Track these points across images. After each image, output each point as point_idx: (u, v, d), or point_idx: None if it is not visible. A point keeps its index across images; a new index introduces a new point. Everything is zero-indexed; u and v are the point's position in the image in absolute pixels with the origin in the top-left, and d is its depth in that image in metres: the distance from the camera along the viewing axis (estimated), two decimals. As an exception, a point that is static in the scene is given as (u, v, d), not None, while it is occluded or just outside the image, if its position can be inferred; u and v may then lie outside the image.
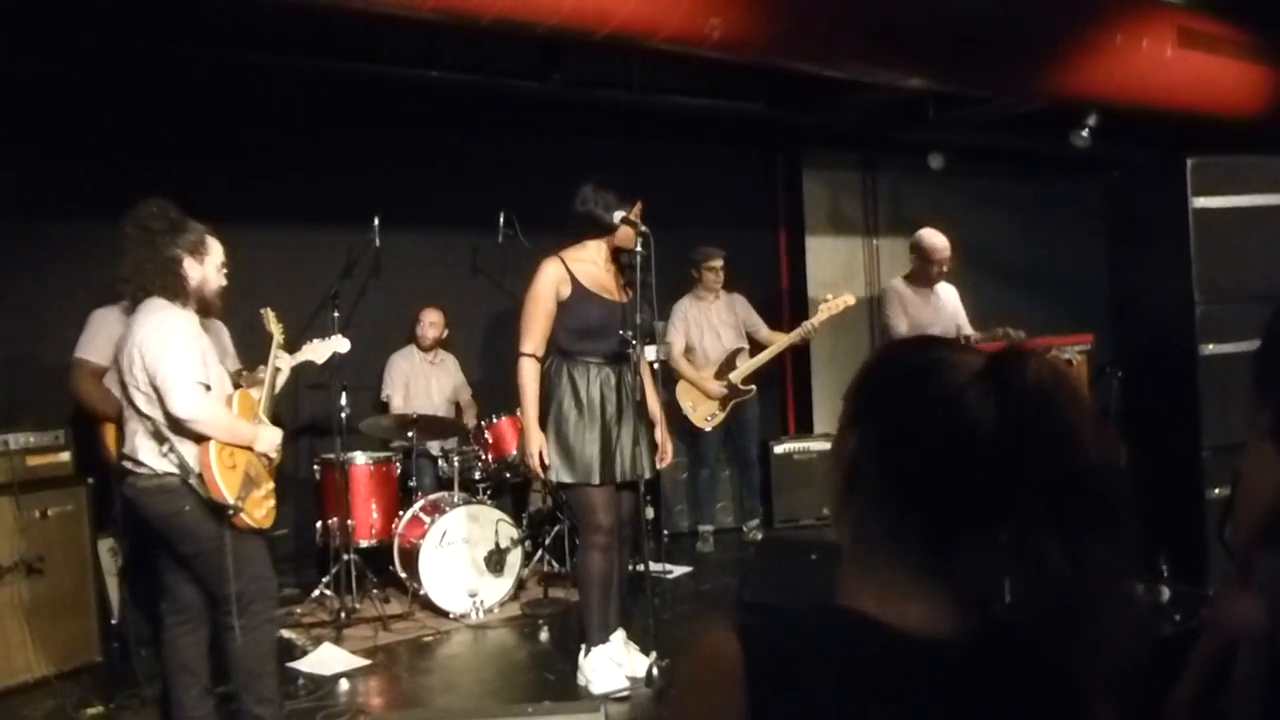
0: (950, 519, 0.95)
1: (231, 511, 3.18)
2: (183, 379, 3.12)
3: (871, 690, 0.93)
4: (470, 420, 5.87)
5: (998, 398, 0.95)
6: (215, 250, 3.38)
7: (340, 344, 4.25)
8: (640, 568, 4.00)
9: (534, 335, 3.85)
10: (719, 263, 6.27)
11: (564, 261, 3.85)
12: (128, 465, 3.25)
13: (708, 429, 6.19)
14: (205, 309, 3.40)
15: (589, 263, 3.88)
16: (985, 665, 0.94)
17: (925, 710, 0.93)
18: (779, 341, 6.18)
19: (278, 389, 3.76)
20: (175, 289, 3.23)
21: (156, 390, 3.14)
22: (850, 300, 5.90)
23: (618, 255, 3.91)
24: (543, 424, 3.86)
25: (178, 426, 3.16)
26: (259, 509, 3.31)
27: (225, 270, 3.42)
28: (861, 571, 1.00)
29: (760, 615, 1.07)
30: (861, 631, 0.97)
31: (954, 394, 0.96)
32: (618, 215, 3.79)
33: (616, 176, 3.87)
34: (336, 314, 5.04)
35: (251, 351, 4.32)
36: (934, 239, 5.36)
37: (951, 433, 0.95)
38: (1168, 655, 3.98)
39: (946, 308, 5.44)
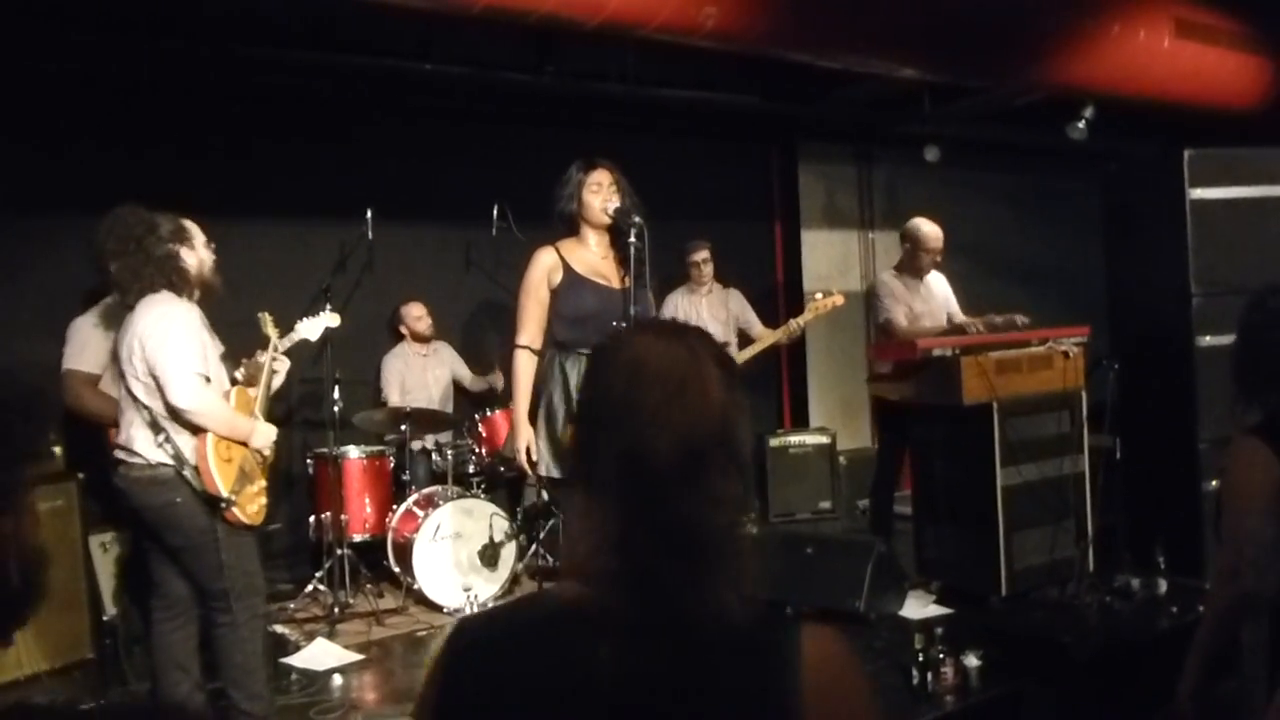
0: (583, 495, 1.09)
1: (225, 505, 3.17)
2: (183, 370, 3.12)
3: (535, 654, 1.06)
4: (499, 385, 5.88)
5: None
6: (197, 232, 3.39)
7: (331, 319, 4.22)
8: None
9: (527, 326, 3.81)
10: (700, 255, 6.21)
11: (557, 249, 3.81)
12: (121, 455, 3.24)
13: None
14: (208, 292, 3.40)
15: (585, 250, 3.84)
16: (605, 619, 1.04)
17: (572, 661, 1.04)
18: (763, 339, 6.12)
19: (274, 389, 3.73)
20: (180, 282, 3.26)
21: (156, 380, 3.13)
22: (839, 300, 5.86)
23: (617, 241, 3.85)
24: (534, 417, 3.83)
25: (176, 417, 3.16)
26: (251, 504, 3.30)
27: (213, 247, 3.43)
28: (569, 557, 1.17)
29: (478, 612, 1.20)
30: (537, 606, 1.13)
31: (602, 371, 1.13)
32: (575, 199, 3.76)
33: (578, 157, 3.84)
34: (329, 307, 4.99)
35: (245, 349, 4.28)
36: (927, 228, 5.32)
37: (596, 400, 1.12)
38: (1166, 648, 3.98)
39: (937, 297, 5.42)
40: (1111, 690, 3.84)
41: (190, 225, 3.36)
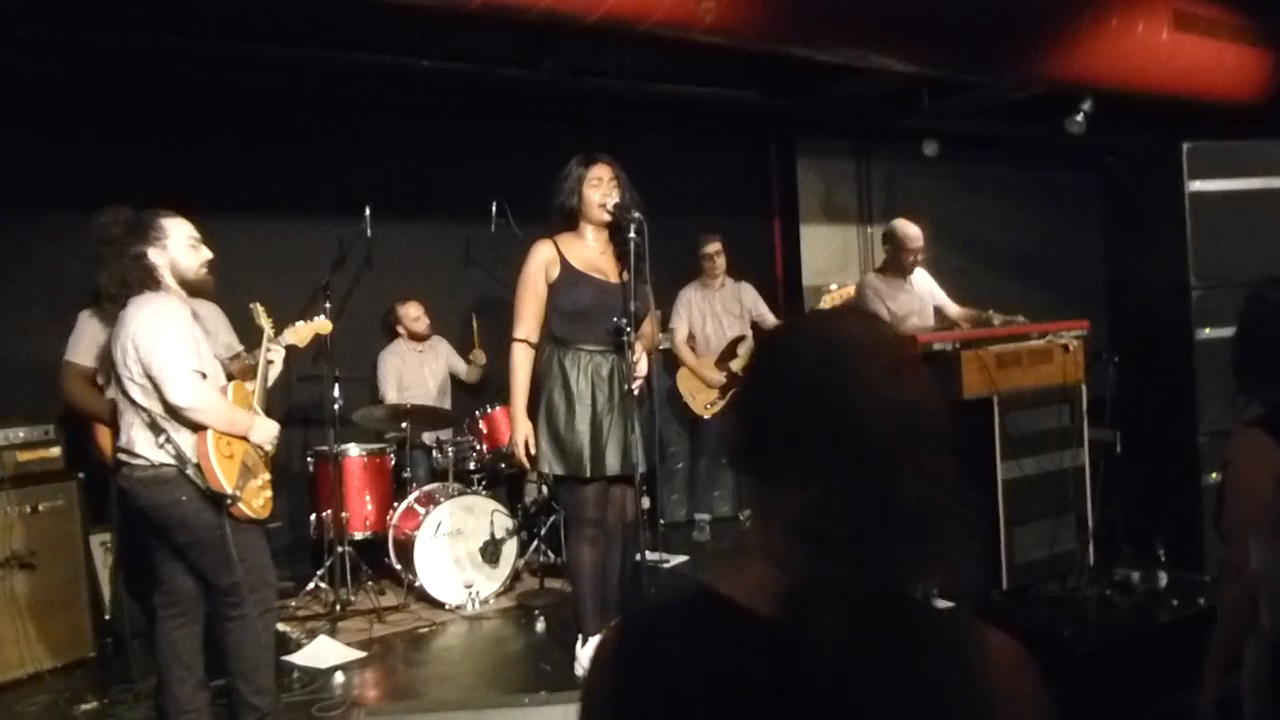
0: (771, 481, 1.05)
1: (230, 501, 3.17)
2: (179, 368, 3.12)
3: (707, 657, 1.03)
4: (481, 360, 5.91)
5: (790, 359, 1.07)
6: (175, 230, 3.31)
7: (322, 326, 4.21)
8: (638, 558, 3.98)
9: (525, 320, 3.81)
10: (713, 248, 6.26)
11: (555, 243, 3.81)
12: (123, 458, 3.24)
13: (707, 416, 6.18)
14: (195, 291, 3.37)
15: (583, 244, 3.84)
16: (787, 632, 0.99)
17: (742, 672, 1.01)
18: None
19: (270, 382, 3.73)
20: (149, 282, 3.22)
21: (152, 381, 3.13)
22: (852, 291, 5.89)
23: (615, 236, 3.85)
24: (533, 413, 3.83)
25: (175, 416, 3.15)
26: (256, 499, 3.30)
27: (197, 244, 3.35)
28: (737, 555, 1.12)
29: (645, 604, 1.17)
30: (705, 606, 1.07)
31: (780, 363, 1.08)
32: (575, 194, 3.76)
33: (577, 153, 3.83)
34: (328, 305, 5.00)
35: (243, 341, 4.30)
36: (907, 229, 5.35)
37: (770, 400, 1.06)
38: (1166, 641, 3.98)
39: (923, 295, 5.43)
40: (1112, 684, 3.85)
41: (167, 223, 3.29)
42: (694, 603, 1.09)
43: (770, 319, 6.32)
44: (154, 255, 3.25)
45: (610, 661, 1.09)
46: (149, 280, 3.22)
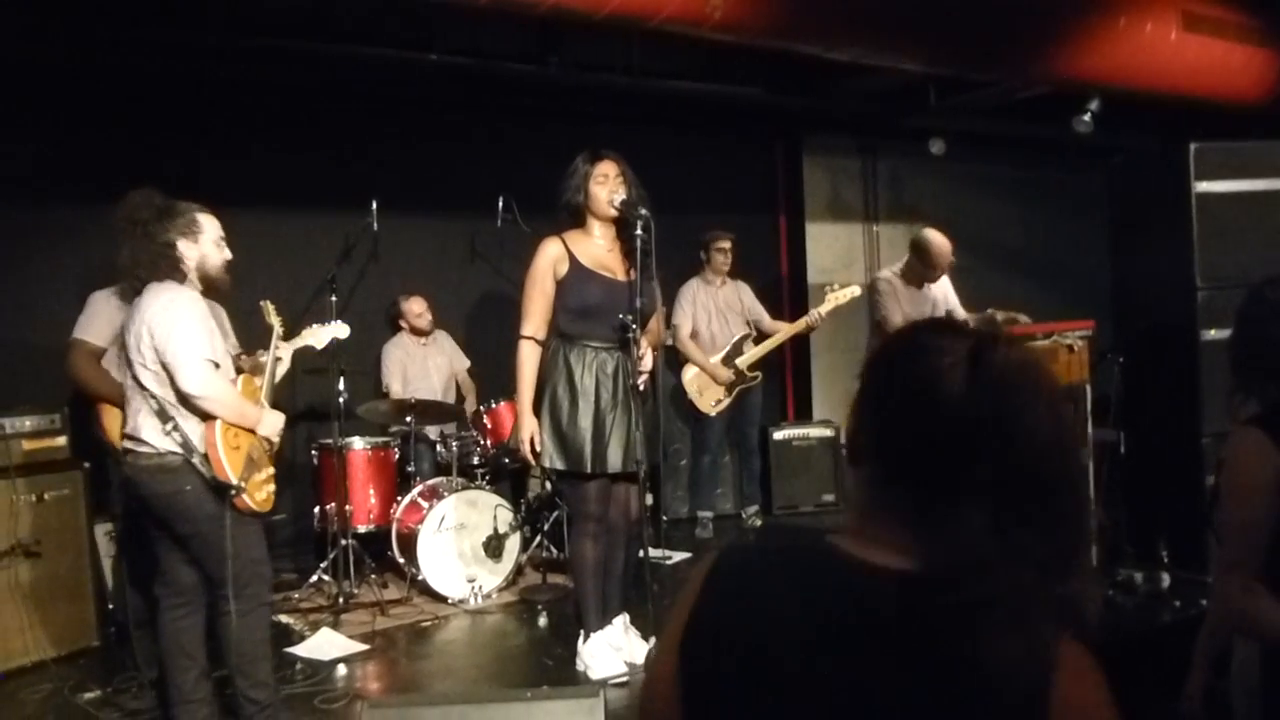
0: (923, 489, 1.06)
1: (234, 492, 3.18)
2: (193, 356, 3.13)
3: (815, 603, 1.07)
4: (470, 399, 5.87)
5: (968, 381, 1.05)
6: (209, 227, 3.34)
7: (340, 329, 4.21)
8: (641, 554, 3.99)
9: (533, 317, 3.81)
10: (729, 244, 6.25)
11: (564, 240, 3.81)
12: (129, 444, 3.25)
13: (713, 414, 6.18)
14: (212, 288, 3.38)
15: (592, 242, 3.84)
16: (913, 604, 1.03)
17: (851, 628, 1.04)
18: (785, 330, 6.17)
19: (278, 378, 3.73)
20: (175, 273, 3.23)
21: (165, 368, 3.14)
22: (856, 291, 5.90)
23: (623, 233, 3.85)
24: (538, 409, 3.83)
25: (184, 405, 3.16)
26: (259, 492, 3.31)
27: (222, 244, 3.38)
28: (853, 527, 1.12)
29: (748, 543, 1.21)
30: (824, 555, 1.11)
31: (932, 377, 1.06)
32: (581, 191, 3.76)
33: (583, 149, 3.83)
34: (334, 298, 5.02)
35: (249, 338, 4.30)
36: (941, 244, 5.27)
37: (925, 413, 1.06)
38: (1168, 642, 3.98)
39: (937, 299, 5.42)
40: (1113, 684, 3.85)
41: (204, 219, 3.33)
42: (807, 550, 1.14)
43: (767, 320, 6.31)
44: (184, 247, 3.26)
45: (695, 589, 1.13)
46: (174, 270, 3.23)
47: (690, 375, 6.18)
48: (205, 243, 3.31)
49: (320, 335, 4.11)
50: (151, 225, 3.22)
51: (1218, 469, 2.28)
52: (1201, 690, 2.20)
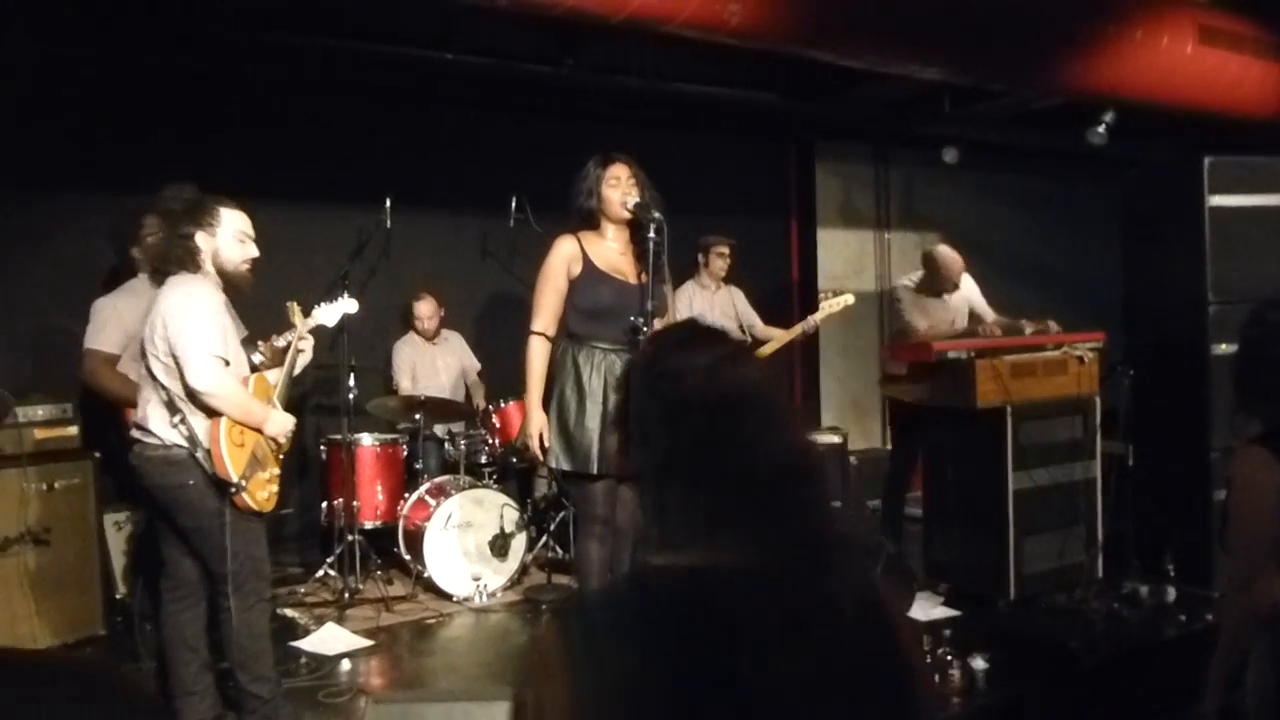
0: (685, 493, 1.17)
1: (233, 490, 3.18)
2: (202, 351, 3.14)
3: (659, 616, 1.12)
4: (479, 399, 5.89)
5: (705, 395, 1.18)
6: (228, 220, 3.32)
7: (349, 305, 4.20)
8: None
9: (544, 313, 3.81)
10: (728, 249, 6.23)
11: (579, 240, 3.81)
12: (137, 434, 3.26)
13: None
14: (231, 284, 3.35)
15: (604, 244, 3.84)
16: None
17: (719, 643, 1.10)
18: (779, 336, 6.13)
19: (297, 371, 3.72)
20: (189, 263, 3.24)
21: (175, 360, 3.15)
22: (849, 300, 5.87)
23: (635, 236, 3.85)
24: (546, 409, 3.83)
25: (192, 398, 3.17)
26: (261, 491, 3.30)
27: (245, 239, 3.35)
28: (658, 541, 1.20)
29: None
30: (647, 575, 1.20)
31: (676, 397, 1.19)
32: (594, 194, 3.76)
33: (595, 152, 3.83)
34: (346, 294, 5.02)
35: (262, 330, 4.31)
36: (949, 258, 5.29)
37: (672, 430, 1.19)
38: (1174, 655, 3.97)
39: (959, 306, 5.41)
40: (1118, 697, 3.84)
41: (226, 212, 3.31)
42: (633, 577, 1.28)
43: (760, 327, 6.27)
44: (200, 239, 3.26)
45: (563, 660, 1.15)
46: (188, 261, 3.24)
47: None
48: (222, 235, 3.29)
49: (330, 313, 4.09)
50: (178, 216, 3.25)
51: (1226, 487, 2.29)
52: (1216, 710, 2.20)
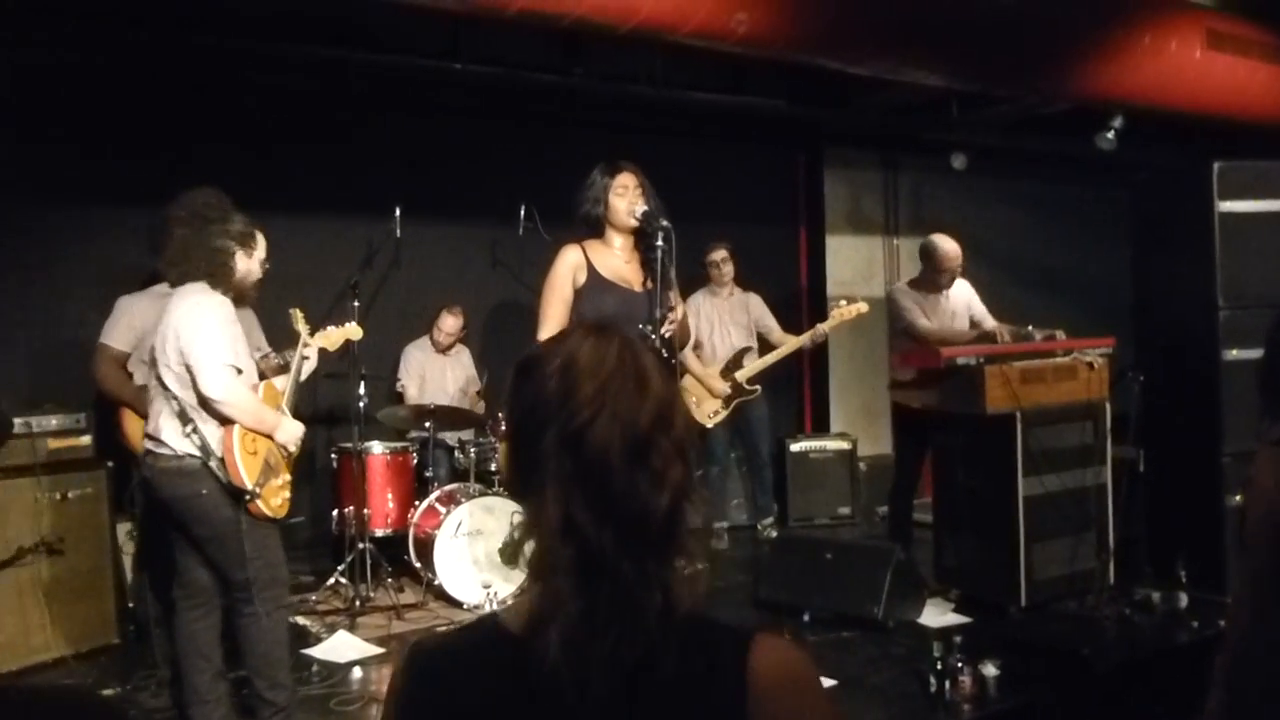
0: (527, 500, 1.11)
1: (249, 497, 3.21)
2: (214, 360, 3.17)
3: (479, 681, 1.09)
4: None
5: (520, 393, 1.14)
6: (261, 244, 3.44)
7: (353, 331, 4.26)
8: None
9: (550, 323, 3.81)
10: (719, 255, 6.23)
11: (583, 249, 3.82)
12: (149, 445, 3.29)
13: (709, 425, 6.16)
14: (241, 298, 3.44)
15: (610, 253, 3.85)
16: (529, 649, 1.05)
17: (503, 693, 1.08)
18: (788, 344, 6.14)
19: (303, 378, 3.76)
20: (222, 278, 3.29)
21: (188, 370, 3.18)
22: (864, 308, 5.87)
23: (639, 244, 3.86)
24: None
25: (205, 408, 3.20)
26: (275, 498, 3.33)
27: (266, 266, 3.49)
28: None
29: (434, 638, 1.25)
30: (483, 632, 1.16)
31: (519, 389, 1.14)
32: (601, 202, 3.77)
33: (601, 160, 3.84)
34: (356, 304, 5.06)
35: (272, 340, 4.34)
36: (945, 246, 5.24)
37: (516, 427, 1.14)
38: (1186, 662, 3.95)
39: (957, 308, 5.39)
40: (1130, 703, 3.83)
41: (259, 236, 3.43)
42: (475, 629, 1.18)
43: (777, 331, 6.28)
44: (239, 258, 3.34)
45: (397, 692, 1.14)
46: (223, 276, 3.29)
47: (687, 386, 6.16)
48: (255, 259, 3.41)
49: (333, 338, 4.14)
50: (213, 225, 3.28)
51: (1245, 489, 2.28)
52: (1224, 709, 2.19)
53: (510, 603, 1.15)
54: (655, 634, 1.04)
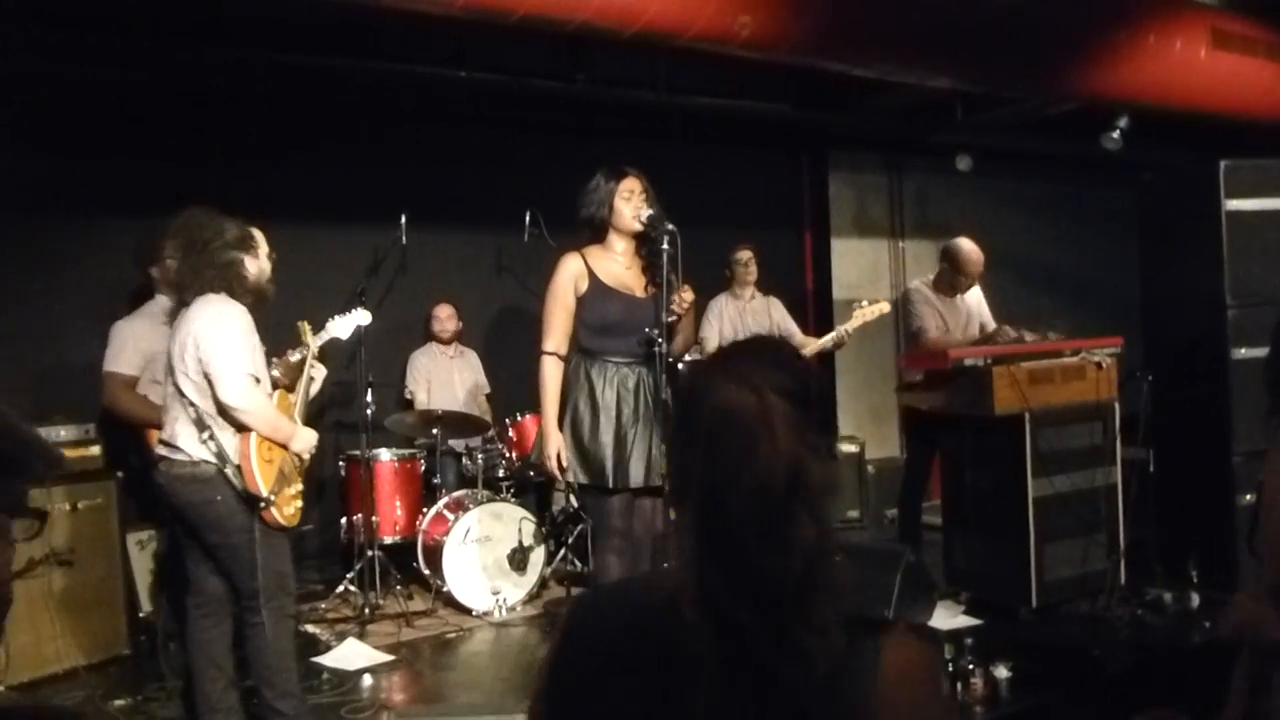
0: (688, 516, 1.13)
1: (263, 504, 3.23)
2: (234, 369, 3.19)
3: (636, 640, 1.14)
4: (488, 419, 5.91)
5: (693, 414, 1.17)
6: (262, 241, 3.47)
7: (362, 316, 4.26)
8: (665, 568, 3.98)
9: (554, 332, 3.81)
10: (744, 255, 6.24)
11: (583, 256, 3.81)
12: (164, 451, 3.30)
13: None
14: (263, 298, 3.46)
15: (611, 259, 3.85)
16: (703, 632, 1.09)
17: (662, 658, 1.10)
18: (811, 346, 6.14)
19: (311, 395, 3.78)
20: (239, 288, 3.32)
21: (207, 378, 3.20)
22: (886, 308, 5.84)
23: (641, 250, 3.86)
24: (560, 424, 3.83)
25: (222, 415, 3.23)
26: (288, 506, 3.36)
27: (274, 258, 3.51)
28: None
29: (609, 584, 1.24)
30: (644, 593, 1.20)
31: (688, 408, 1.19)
32: (606, 206, 3.77)
33: (606, 164, 3.84)
34: (360, 307, 5.06)
35: (278, 347, 4.35)
36: (971, 251, 5.23)
37: (681, 447, 1.18)
38: (1198, 663, 3.94)
39: (971, 311, 5.39)
40: (1142, 705, 3.81)
41: (257, 234, 3.45)
42: (635, 589, 1.24)
43: (799, 335, 6.28)
44: (248, 263, 3.37)
45: (565, 622, 1.24)
46: (240, 286, 3.31)
47: None
48: (262, 257, 3.44)
49: (344, 325, 4.14)
50: (213, 242, 3.29)
51: (1257, 489, 2.27)
52: (1241, 716, 2.18)
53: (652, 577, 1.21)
54: (792, 693, 1.06)
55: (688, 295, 3.76)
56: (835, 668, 1.08)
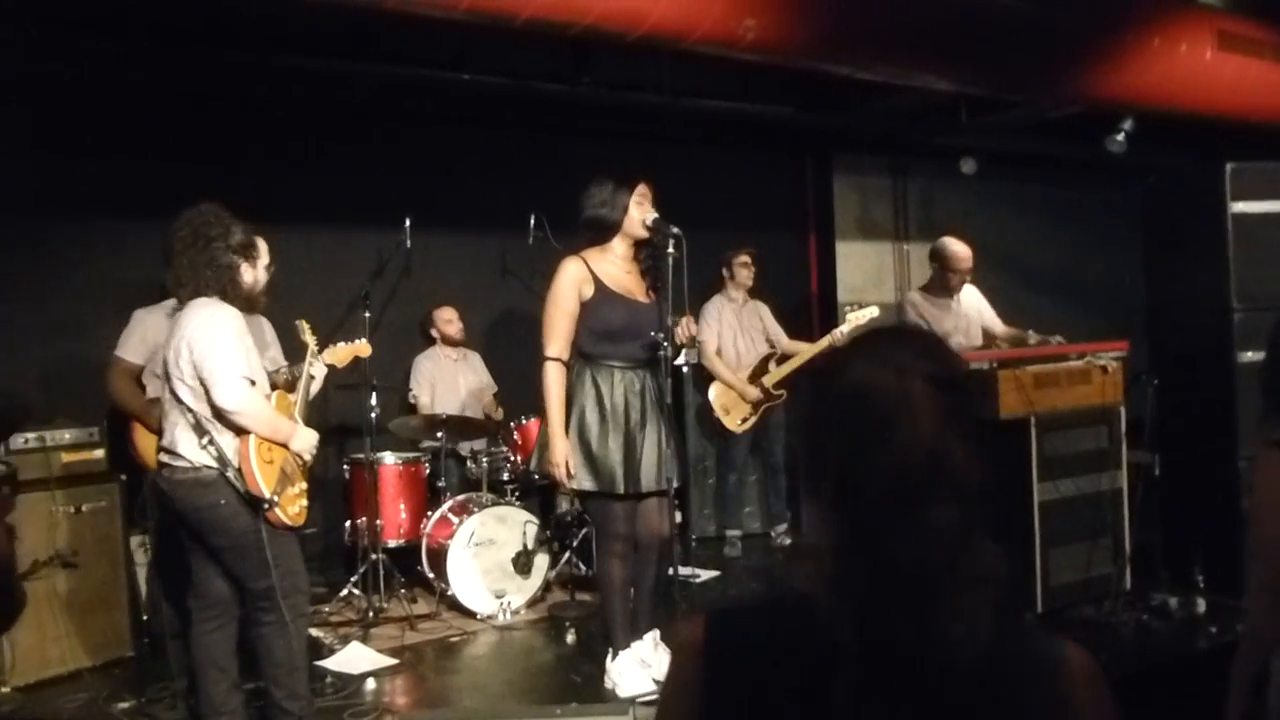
0: (824, 502, 1.09)
1: (267, 506, 3.23)
2: (229, 372, 3.19)
3: (795, 655, 1.08)
4: (495, 419, 5.91)
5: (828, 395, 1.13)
6: (264, 252, 3.52)
7: (362, 349, 4.29)
8: (670, 572, 3.98)
9: (557, 338, 3.80)
10: (743, 258, 6.25)
11: (586, 261, 3.81)
12: (165, 458, 3.31)
13: (739, 432, 6.17)
14: (252, 306, 3.51)
15: (611, 263, 3.84)
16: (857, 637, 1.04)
17: (821, 674, 1.05)
18: (806, 350, 6.15)
19: (311, 395, 3.79)
20: (231, 292, 3.33)
21: (202, 383, 3.20)
22: (875, 312, 5.87)
23: (639, 254, 3.86)
24: (566, 431, 3.81)
25: (220, 419, 3.22)
26: (292, 506, 3.36)
27: (271, 270, 3.56)
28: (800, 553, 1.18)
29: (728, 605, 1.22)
30: (792, 608, 1.11)
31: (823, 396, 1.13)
32: (619, 209, 3.77)
33: (616, 168, 3.84)
34: (367, 314, 5.09)
35: (283, 350, 4.36)
36: (956, 247, 5.27)
37: (815, 428, 1.13)
38: (1204, 667, 3.92)
39: (969, 313, 5.38)
40: (1147, 710, 3.79)
41: (261, 244, 3.49)
42: (780, 605, 1.14)
43: (785, 340, 6.29)
44: (245, 270, 3.39)
45: (699, 658, 1.14)
46: (233, 291, 3.33)
47: (715, 393, 6.17)
48: (260, 267, 3.48)
49: (341, 354, 4.17)
50: (216, 242, 3.30)
51: (1250, 491, 2.27)
52: (1241, 716, 2.17)
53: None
54: (937, 681, 1.03)
55: (692, 329, 3.78)
56: (983, 658, 1.04)
